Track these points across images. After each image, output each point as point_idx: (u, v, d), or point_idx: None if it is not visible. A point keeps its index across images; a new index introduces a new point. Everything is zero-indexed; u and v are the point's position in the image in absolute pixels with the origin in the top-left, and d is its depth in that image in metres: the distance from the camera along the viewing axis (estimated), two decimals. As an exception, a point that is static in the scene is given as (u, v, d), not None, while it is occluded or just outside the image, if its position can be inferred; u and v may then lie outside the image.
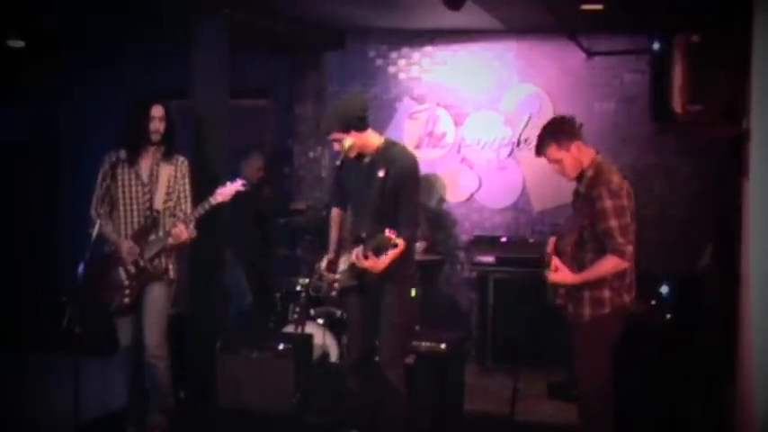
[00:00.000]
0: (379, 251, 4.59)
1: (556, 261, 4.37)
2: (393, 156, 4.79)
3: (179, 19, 6.24)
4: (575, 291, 4.41)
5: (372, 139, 4.82)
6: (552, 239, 4.63)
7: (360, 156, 4.82)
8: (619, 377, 4.46)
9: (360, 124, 4.74)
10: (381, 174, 4.74)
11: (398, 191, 4.72)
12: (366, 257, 4.60)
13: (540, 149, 4.50)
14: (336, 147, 4.78)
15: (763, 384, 4.00)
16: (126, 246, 5.10)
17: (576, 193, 4.49)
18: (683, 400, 5.58)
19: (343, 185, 4.97)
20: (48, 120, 8.45)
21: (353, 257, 4.68)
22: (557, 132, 4.45)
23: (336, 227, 5.06)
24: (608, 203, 4.27)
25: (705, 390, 5.62)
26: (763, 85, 4.17)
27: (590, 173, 4.41)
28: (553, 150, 4.42)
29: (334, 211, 5.12)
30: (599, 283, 4.34)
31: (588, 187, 4.38)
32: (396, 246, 4.47)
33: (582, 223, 4.36)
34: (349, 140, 4.71)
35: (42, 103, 8.46)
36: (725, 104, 4.70)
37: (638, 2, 5.81)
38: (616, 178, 4.37)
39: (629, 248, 4.27)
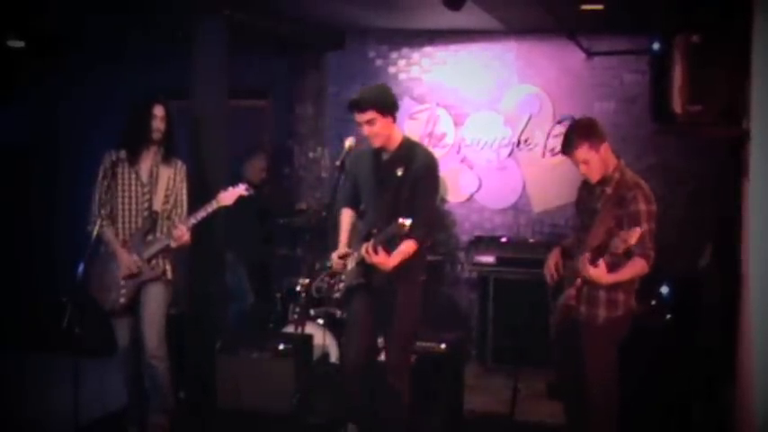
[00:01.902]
0: (391, 241, 4.53)
1: (603, 259, 4.28)
2: (414, 155, 4.74)
3: (179, 19, 6.24)
4: (590, 292, 4.42)
5: (397, 132, 4.77)
6: (556, 251, 4.65)
7: (377, 152, 4.76)
8: (619, 377, 4.48)
9: (395, 111, 4.71)
10: (400, 172, 4.68)
11: (416, 191, 4.67)
12: (375, 252, 4.53)
13: (569, 148, 4.48)
14: (367, 130, 4.64)
15: (764, 385, 4.00)
16: (126, 260, 5.09)
17: (598, 195, 4.48)
18: (684, 401, 5.58)
19: (355, 183, 4.87)
20: (48, 120, 8.45)
21: (363, 251, 4.61)
22: (589, 132, 4.45)
23: (347, 226, 4.93)
24: (642, 207, 4.31)
25: (705, 390, 5.63)
26: (762, 85, 4.17)
27: (617, 176, 4.44)
28: (584, 150, 4.42)
29: (346, 212, 4.99)
30: (615, 285, 4.36)
31: (618, 189, 4.38)
32: (407, 233, 4.40)
33: (609, 225, 4.34)
34: (380, 124, 4.63)
35: (42, 103, 8.45)
36: (725, 104, 4.71)
37: (638, 2, 5.81)
38: (644, 183, 4.41)
39: (653, 254, 4.32)
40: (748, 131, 4.53)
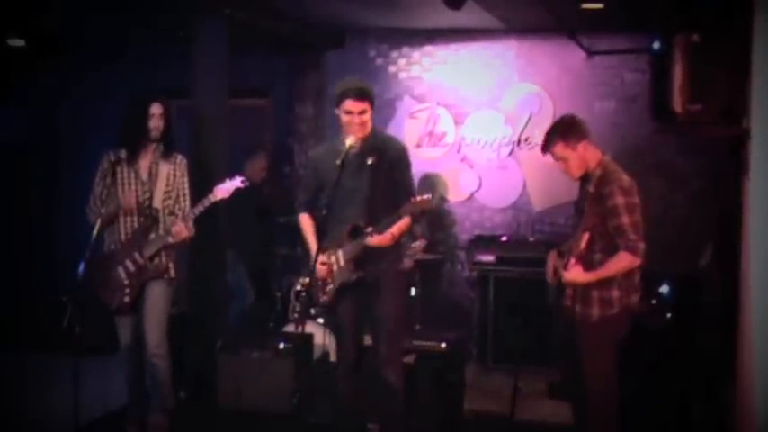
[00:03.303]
0: (420, 215, 4.63)
1: (572, 260, 4.33)
2: (381, 143, 4.79)
3: (179, 19, 6.24)
4: (583, 291, 4.41)
5: (370, 123, 4.78)
6: (553, 254, 4.65)
7: (342, 147, 4.71)
8: (619, 377, 4.47)
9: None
10: (371, 161, 4.70)
11: (392, 176, 4.70)
12: (380, 235, 4.58)
13: (546, 147, 4.50)
14: (358, 119, 4.64)
15: (764, 384, 4.00)
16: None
17: (585, 194, 4.49)
18: (684, 400, 5.57)
19: (328, 185, 4.77)
20: (47, 119, 8.45)
21: (368, 241, 4.61)
22: (565, 131, 4.45)
23: (312, 231, 4.91)
24: (620, 200, 4.29)
25: (705, 390, 5.62)
26: (763, 84, 4.17)
27: (598, 172, 4.43)
28: (560, 148, 4.43)
29: (305, 218, 5.00)
30: (608, 282, 4.35)
31: (598, 186, 4.38)
32: (429, 203, 4.48)
33: (593, 222, 4.34)
34: (369, 114, 4.67)
35: (42, 103, 8.45)
36: (725, 104, 4.70)
37: (638, 1, 5.81)
38: (626, 177, 4.40)
39: (642, 245, 4.28)
40: (748, 131, 4.53)
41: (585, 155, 4.43)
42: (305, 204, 5.04)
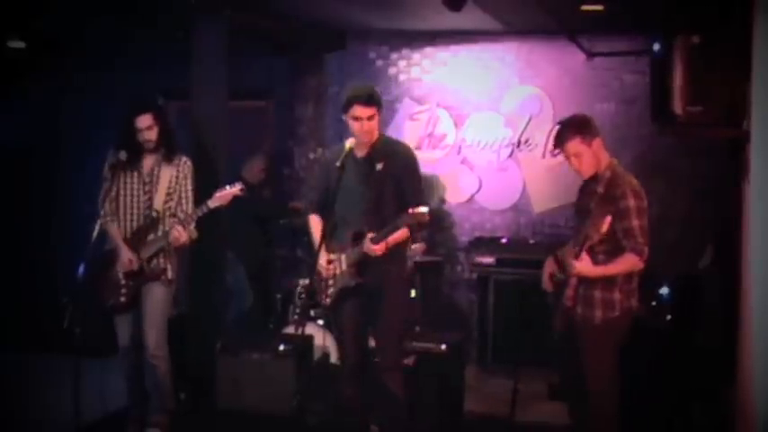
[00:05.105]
0: (417, 228, 4.59)
1: (584, 252, 4.31)
2: (391, 149, 4.77)
3: (179, 20, 6.24)
4: (585, 292, 4.41)
5: (376, 128, 4.76)
6: (550, 261, 4.65)
7: (350, 151, 4.70)
8: (620, 378, 4.48)
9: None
10: (380, 167, 4.69)
11: (400, 184, 4.67)
12: (377, 244, 4.54)
13: (561, 140, 4.51)
14: (366, 126, 4.62)
15: (764, 385, 4.00)
16: (126, 256, 5.10)
17: (591, 194, 4.49)
18: (684, 402, 5.57)
19: (332, 187, 4.74)
20: (48, 120, 8.44)
21: (365, 248, 4.59)
22: (582, 126, 4.49)
23: (320, 232, 4.81)
24: (632, 202, 4.32)
25: (705, 391, 5.62)
26: (763, 86, 4.16)
27: (608, 174, 4.45)
28: (576, 143, 4.45)
29: (314, 218, 4.98)
30: (610, 284, 4.37)
31: (609, 187, 4.39)
32: (425, 217, 4.40)
33: (601, 222, 4.33)
34: (376, 120, 4.65)
35: (42, 104, 8.45)
36: (725, 106, 4.69)
37: (638, 3, 5.81)
38: (635, 180, 4.42)
39: (647, 249, 4.30)
40: (748, 133, 4.53)
41: (599, 153, 4.46)
42: (315, 205, 5.02)
